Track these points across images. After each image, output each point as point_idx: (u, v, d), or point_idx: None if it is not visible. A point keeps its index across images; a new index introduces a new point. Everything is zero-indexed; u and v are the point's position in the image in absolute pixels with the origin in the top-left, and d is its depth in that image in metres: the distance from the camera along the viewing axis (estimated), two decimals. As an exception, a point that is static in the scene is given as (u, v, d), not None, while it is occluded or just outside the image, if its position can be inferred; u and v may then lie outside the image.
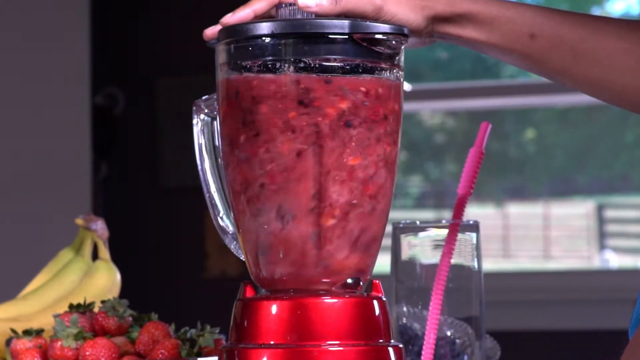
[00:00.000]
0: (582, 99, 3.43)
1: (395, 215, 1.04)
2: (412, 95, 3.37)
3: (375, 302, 0.97)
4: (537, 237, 3.69)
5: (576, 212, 3.66)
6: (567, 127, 3.72)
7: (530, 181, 3.71)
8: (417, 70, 3.60)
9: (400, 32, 0.96)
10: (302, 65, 0.95)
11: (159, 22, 3.53)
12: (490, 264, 3.61)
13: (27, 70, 3.29)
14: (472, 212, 3.56)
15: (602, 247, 3.59)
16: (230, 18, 1.00)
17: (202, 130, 1.05)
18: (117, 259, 1.52)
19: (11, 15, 3.29)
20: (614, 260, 3.54)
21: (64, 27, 3.31)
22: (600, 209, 3.61)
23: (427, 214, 3.72)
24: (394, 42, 0.96)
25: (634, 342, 1.03)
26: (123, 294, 1.32)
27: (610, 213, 3.64)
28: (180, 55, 3.45)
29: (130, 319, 1.13)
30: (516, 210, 3.71)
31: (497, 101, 3.47)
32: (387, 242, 1.07)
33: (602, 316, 3.15)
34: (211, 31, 1.01)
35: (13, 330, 1.15)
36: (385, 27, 0.96)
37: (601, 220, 3.62)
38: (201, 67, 3.17)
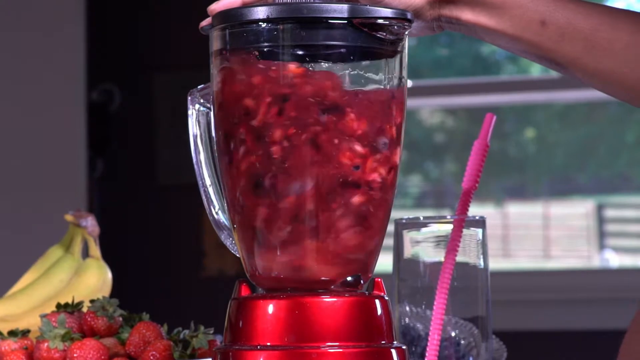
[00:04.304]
0: (582, 96, 3.42)
1: (394, 215, 1.03)
2: (411, 92, 3.35)
3: (377, 301, 0.95)
4: (537, 236, 3.70)
5: (576, 211, 3.67)
6: (567, 127, 3.71)
7: (530, 181, 3.71)
8: (417, 68, 3.58)
9: (403, 16, 0.93)
10: (299, 51, 0.91)
11: (155, 17, 3.52)
12: (490, 264, 3.60)
13: (22, 66, 3.28)
14: (472, 211, 3.56)
15: (602, 246, 3.59)
16: (217, 4, 0.97)
17: (198, 121, 1.02)
18: (113, 257, 1.49)
19: (6, 11, 3.28)
20: (614, 260, 3.55)
21: (59, 23, 3.30)
22: (600, 208, 3.62)
23: (427, 214, 3.70)
24: (396, 27, 0.92)
25: (637, 318, 1.02)
26: (119, 293, 1.29)
27: (610, 213, 3.64)
28: (176, 51, 3.44)
29: (121, 319, 1.11)
30: (516, 209, 3.71)
31: (497, 98, 3.46)
32: (389, 240, 1.04)
33: (602, 316, 3.14)
34: (207, 22, 0.99)
35: (-2, 331, 1.12)
36: (387, 12, 0.93)
37: (601, 220, 3.63)
38: (198, 63, 3.14)
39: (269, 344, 0.92)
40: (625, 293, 3.08)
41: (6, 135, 3.26)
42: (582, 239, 3.67)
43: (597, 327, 3.13)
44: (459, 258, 1.04)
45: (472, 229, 1.11)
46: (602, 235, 3.63)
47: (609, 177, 3.70)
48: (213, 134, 1.01)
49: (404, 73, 0.96)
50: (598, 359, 2.39)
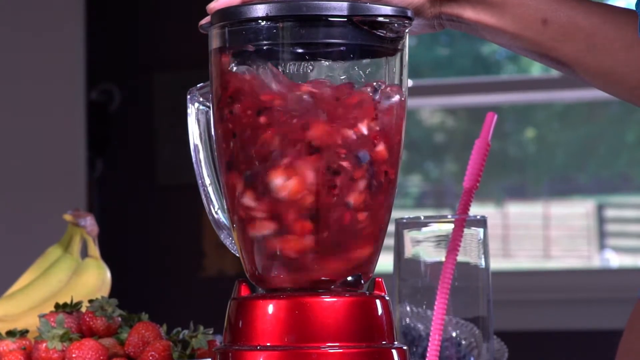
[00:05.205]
0: (582, 96, 3.42)
1: (394, 215, 1.02)
2: (411, 92, 3.35)
3: (377, 301, 0.94)
4: (537, 236, 3.69)
5: (576, 211, 3.66)
6: (567, 127, 3.71)
7: (531, 181, 3.70)
8: (418, 68, 3.58)
9: (404, 14, 0.92)
10: (299, 50, 0.91)
11: (155, 17, 3.51)
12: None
13: (22, 66, 3.28)
14: (472, 211, 3.56)
15: (602, 246, 3.59)
16: (216, 3, 0.96)
17: (197, 120, 1.01)
18: (113, 257, 1.48)
19: (5, 10, 3.27)
20: (614, 260, 3.54)
21: (59, 23, 3.30)
22: (600, 208, 3.61)
23: (427, 214, 3.70)
24: (396, 25, 0.91)
25: (632, 317, 1.02)
26: (118, 293, 1.28)
27: (610, 212, 3.64)
28: (176, 51, 3.43)
29: (120, 319, 1.10)
30: (516, 209, 3.71)
31: (497, 97, 3.46)
32: (389, 240, 1.03)
33: (602, 316, 3.14)
34: (206, 21, 0.98)
35: (-4, 331, 1.12)
36: (387, 10, 0.92)
37: (601, 220, 3.62)
38: (198, 62, 3.14)
39: (269, 344, 0.91)
40: (625, 293, 3.06)
41: (6, 135, 3.26)
42: (582, 239, 3.66)
43: (597, 327, 3.12)
44: (460, 258, 1.03)
45: (473, 228, 1.10)
46: (602, 235, 3.63)
47: (609, 177, 3.69)
48: (212, 132, 1.00)
49: (405, 72, 0.96)
50: (598, 359, 2.38)
